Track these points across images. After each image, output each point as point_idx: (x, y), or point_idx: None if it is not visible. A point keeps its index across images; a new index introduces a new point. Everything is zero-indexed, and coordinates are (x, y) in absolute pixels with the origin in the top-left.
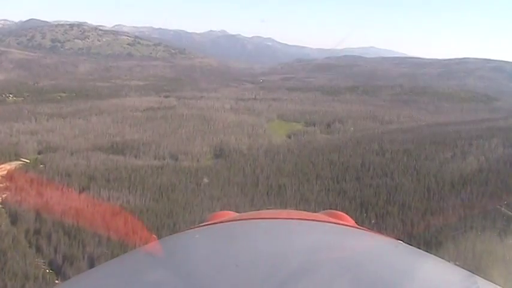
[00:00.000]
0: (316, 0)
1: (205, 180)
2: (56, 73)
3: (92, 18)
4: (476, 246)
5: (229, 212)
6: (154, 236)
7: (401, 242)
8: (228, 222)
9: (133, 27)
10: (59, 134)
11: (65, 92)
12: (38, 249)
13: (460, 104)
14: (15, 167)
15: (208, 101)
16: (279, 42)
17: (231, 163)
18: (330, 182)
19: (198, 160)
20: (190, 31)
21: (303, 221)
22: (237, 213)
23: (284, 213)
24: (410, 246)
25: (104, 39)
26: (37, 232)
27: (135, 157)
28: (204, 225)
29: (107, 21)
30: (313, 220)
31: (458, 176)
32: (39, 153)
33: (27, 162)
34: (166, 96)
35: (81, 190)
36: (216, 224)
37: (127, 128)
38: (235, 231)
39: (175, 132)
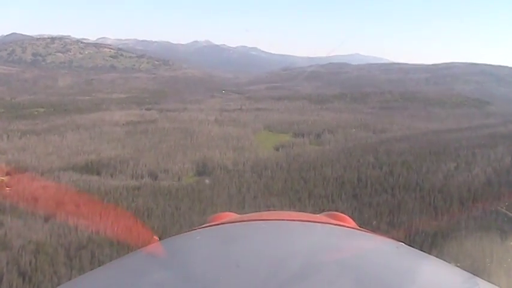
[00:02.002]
0: (299, 9)
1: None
2: (35, 88)
3: (76, 32)
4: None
5: (230, 213)
6: (155, 237)
7: (402, 243)
8: (229, 224)
9: (117, 39)
10: (31, 152)
11: (43, 107)
12: None
13: (452, 109)
14: None
15: (192, 112)
16: (264, 52)
17: (214, 181)
18: (324, 201)
19: (179, 178)
20: (175, 42)
21: (304, 222)
22: (238, 215)
23: (285, 214)
24: (412, 248)
25: (86, 52)
26: None
27: (111, 176)
28: (205, 227)
29: (90, 34)
30: (314, 222)
31: (466, 191)
32: (6, 174)
33: None
34: (148, 109)
35: (47, 218)
36: (217, 226)
37: (104, 144)
38: (236, 232)
39: (155, 147)
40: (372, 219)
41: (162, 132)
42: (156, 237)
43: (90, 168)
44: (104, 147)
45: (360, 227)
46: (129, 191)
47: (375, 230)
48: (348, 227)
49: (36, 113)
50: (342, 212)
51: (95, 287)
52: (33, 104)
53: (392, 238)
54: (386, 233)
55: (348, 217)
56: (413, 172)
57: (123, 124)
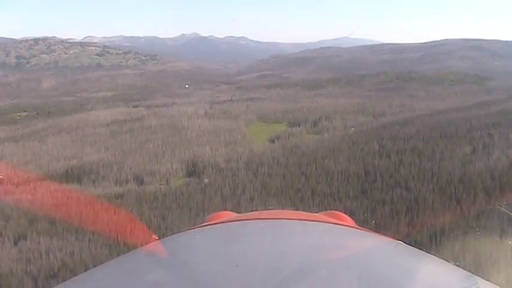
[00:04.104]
0: None
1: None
2: (18, 91)
3: (62, 33)
4: None
5: (229, 212)
6: (154, 236)
7: (400, 242)
8: (229, 223)
9: (104, 37)
10: (7, 161)
11: (25, 111)
12: None
13: (451, 87)
14: None
15: (181, 107)
16: (253, 40)
17: (206, 182)
18: (330, 200)
19: (167, 181)
20: (162, 36)
21: (303, 221)
22: (237, 214)
23: (284, 213)
24: (410, 247)
25: (71, 52)
26: None
27: (93, 183)
28: (204, 225)
29: (77, 34)
30: (313, 220)
31: (489, 178)
32: None
33: None
34: (135, 106)
35: (17, 240)
36: (217, 224)
37: (87, 147)
38: (235, 231)
39: (141, 147)
40: (387, 220)
41: (149, 130)
42: (155, 236)
43: (70, 175)
44: (87, 150)
45: (358, 226)
46: (112, 200)
47: (374, 228)
48: (346, 225)
49: (18, 117)
50: (340, 211)
51: (94, 286)
52: (15, 109)
53: (392, 237)
54: (406, 236)
55: (346, 216)
56: (427, 160)
57: (108, 124)
